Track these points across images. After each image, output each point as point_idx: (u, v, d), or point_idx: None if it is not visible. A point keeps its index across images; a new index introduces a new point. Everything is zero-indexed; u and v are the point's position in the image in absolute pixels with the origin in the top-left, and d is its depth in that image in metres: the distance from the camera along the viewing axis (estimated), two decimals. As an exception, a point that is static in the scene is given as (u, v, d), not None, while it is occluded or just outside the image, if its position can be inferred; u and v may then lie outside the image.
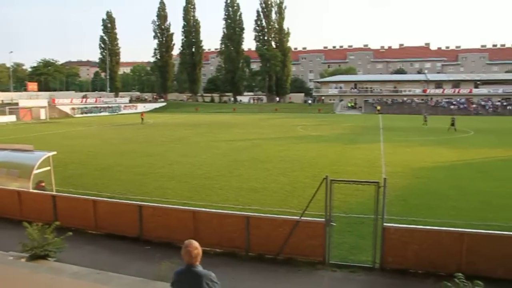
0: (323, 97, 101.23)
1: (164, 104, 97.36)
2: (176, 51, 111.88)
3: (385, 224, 9.84)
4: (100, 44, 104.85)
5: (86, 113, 76.92)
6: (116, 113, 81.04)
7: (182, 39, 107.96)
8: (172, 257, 7.77)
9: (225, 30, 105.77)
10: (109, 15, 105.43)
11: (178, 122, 59.11)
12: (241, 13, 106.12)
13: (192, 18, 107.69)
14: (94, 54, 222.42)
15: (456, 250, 9.53)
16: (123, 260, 10.50)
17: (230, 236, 10.72)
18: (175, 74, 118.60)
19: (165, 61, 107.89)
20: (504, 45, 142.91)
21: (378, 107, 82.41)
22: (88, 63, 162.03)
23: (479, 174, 21.24)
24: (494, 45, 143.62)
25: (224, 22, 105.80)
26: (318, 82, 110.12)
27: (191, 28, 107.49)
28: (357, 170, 21.80)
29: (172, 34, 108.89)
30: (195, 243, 4.85)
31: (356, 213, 13.49)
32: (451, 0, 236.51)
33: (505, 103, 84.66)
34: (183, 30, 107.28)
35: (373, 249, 9.93)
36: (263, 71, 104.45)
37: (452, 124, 43.16)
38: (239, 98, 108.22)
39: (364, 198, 14.35)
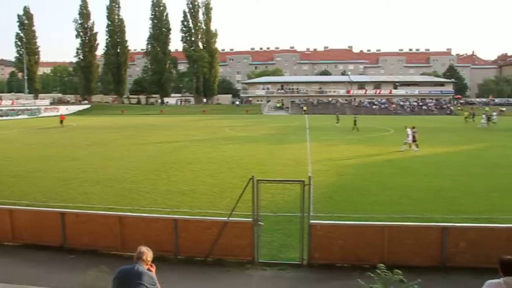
0: (250, 98, 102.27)
1: (88, 106, 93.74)
2: (100, 51, 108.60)
3: (311, 221, 10.08)
4: (16, 42, 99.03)
5: (1, 116, 72.13)
6: (36, 116, 76.72)
7: (107, 39, 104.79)
8: (98, 265, 7.49)
9: (151, 30, 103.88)
10: (26, 10, 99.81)
11: (103, 125, 57.15)
12: (167, 13, 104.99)
13: (116, 17, 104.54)
14: (9, 52, 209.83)
15: (378, 242, 9.98)
16: (44, 271, 9.92)
17: (158, 240, 10.48)
18: (100, 75, 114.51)
19: (89, 62, 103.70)
20: (418, 49, 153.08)
21: (305, 108, 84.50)
22: (3, 62, 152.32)
23: (398, 170, 22.42)
24: (410, 50, 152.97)
25: (150, 22, 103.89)
26: (245, 83, 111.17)
27: (116, 28, 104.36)
28: (284, 169, 22.21)
29: (96, 33, 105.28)
30: (145, 247, 5.14)
31: (284, 211, 13.72)
32: (371, 6, 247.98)
33: (420, 103, 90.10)
34: (107, 29, 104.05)
35: (300, 246, 10.13)
36: (190, 72, 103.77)
37: (355, 124, 45.29)
38: (166, 99, 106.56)
39: (291, 197, 14.64)
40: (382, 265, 6.35)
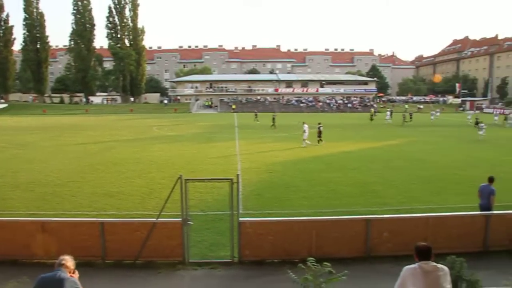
0: (179, 97, 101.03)
1: (5, 105, 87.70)
2: (17, 46, 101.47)
3: (240, 219, 10.15)
4: None
5: None
6: None
7: (24, 33, 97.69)
8: (19, 276, 7.08)
9: (74, 26, 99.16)
10: None
11: (22, 125, 53.82)
12: (91, 8, 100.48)
13: (35, 10, 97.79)
14: None
15: (307, 236, 10.26)
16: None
17: (85, 245, 10.09)
18: (17, 72, 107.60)
19: (4, 57, 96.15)
20: (343, 49, 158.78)
21: (233, 106, 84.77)
22: None
23: (325, 166, 23.12)
24: (335, 49, 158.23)
25: (73, 17, 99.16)
26: (174, 81, 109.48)
27: (35, 22, 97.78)
28: (214, 168, 22.19)
29: (12, 27, 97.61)
30: (68, 256, 5.04)
31: (214, 210, 13.71)
32: (298, 6, 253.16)
33: (346, 101, 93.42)
34: (24, 23, 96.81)
35: (231, 244, 10.17)
36: (116, 70, 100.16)
37: (273, 122, 46.30)
38: (91, 98, 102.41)
39: (220, 195, 14.68)
40: (311, 258, 6.53)
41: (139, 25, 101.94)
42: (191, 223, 10.11)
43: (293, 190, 17.37)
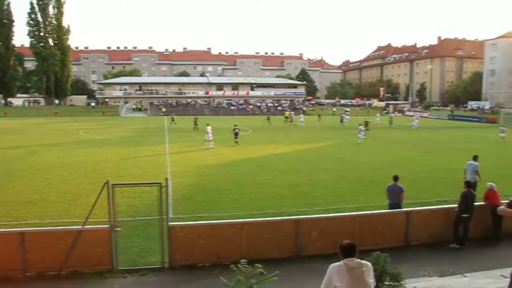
0: (107, 99, 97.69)
1: None
2: None
3: (170, 223, 10.01)
4: None
5: None
6: None
7: None
8: None
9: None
10: None
11: None
12: (9, 3, 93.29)
13: None
14: None
15: (238, 239, 10.31)
16: None
17: (1, 258, 9.47)
18: None
19: None
20: (273, 53, 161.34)
21: (163, 109, 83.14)
22: None
23: (256, 168, 23.31)
24: (266, 53, 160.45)
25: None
26: (101, 83, 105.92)
27: None
28: (143, 172, 21.67)
29: None
30: None
31: (143, 215, 13.37)
32: (230, 10, 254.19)
33: (276, 104, 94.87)
34: None
35: (161, 249, 9.98)
36: (39, 70, 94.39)
37: (195, 124, 46.36)
38: (11, 100, 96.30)
39: (150, 200, 14.30)
40: (243, 260, 6.55)
41: (64, 24, 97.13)
42: (119, 229, 9.81)
43: (224, 193, 17.36)
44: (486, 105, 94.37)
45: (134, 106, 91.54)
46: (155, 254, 10.43)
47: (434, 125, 62.50)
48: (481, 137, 40.74)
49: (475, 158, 15.97)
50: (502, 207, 10.76)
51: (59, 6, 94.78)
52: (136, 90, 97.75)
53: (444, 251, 11.40)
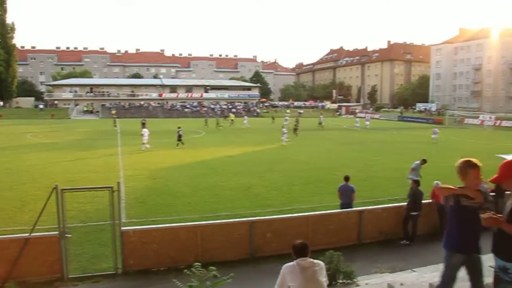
0: (56, 102, 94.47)
1: None
2: None
3: (123, 228, 9.83)
4: None
5: None
6: None
7: None
8: None
9: None
10: None
11: None
12: None
13: None
14: None
15: (192, 242, 10.27)
16: None
17: None
18: None
19: None
20: (227, 55, 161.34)
21: (113, 111, 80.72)
22: None
23: (209, 170, 23.20)
24: (220, 55, 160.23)
25: None
26: (50, 85, 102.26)
27: None
28: (94, 176, 21.07)
29: None
30: None
31: (95, 220, 13.00)
32: (184, 11, 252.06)
33: (230, 106, 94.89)
34: None
35: (113, 255, 9.77)
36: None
37: (144, 127, 45.86)
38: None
39: (102, 205, 13.95)
40: (197, 263, 6.51)
41: (9, 21, 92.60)
42: (69, 235, 9.52)
43: (177, 196, 17.20)
44: (433, 107, 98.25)
45: (85, 109, 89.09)
46: (107, 260, 10.18)
47: (384, 126, 64.35)
48: (429, 138, 42.18)
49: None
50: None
51: (2, 2, 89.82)
52: (87, 92, 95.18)
53: (395, 248, 11.80)
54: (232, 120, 62.55)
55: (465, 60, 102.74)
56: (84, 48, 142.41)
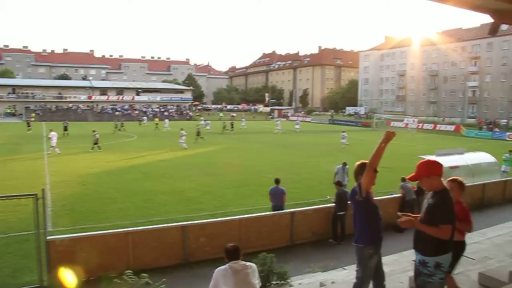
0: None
1: None
2: None
3: (48, 237, 9.36)
4: None
5: None
6: None
7: None
8: None
9: None
10: None
11: None
12: None
13: None
14: None
15: (123, 249, 10.01)
16: None
17: None
18: None
19: None
20: (160, 58, 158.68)
21: (33, 115, 75.56)
22: None
23: (142, 175, 22.72)
24: (152, 57, 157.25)
25: None
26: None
27: None
28: (18, 183, 19.79)
29: None
30: None
31: (17, 231, 12.28)
32: (113, 10, 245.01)
33: (162, 109, 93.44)
34: None
35: (38, 267, 9.25)
36: None
37: (65, 130, 44.69)
38: None
39: (26, 214, 13.17)
40: (129, 271, 6.37)
41: None
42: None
43: (108, 202, 16.69)
44: (362, 110, 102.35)
45: (7, 111, 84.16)
46: (31, 273, 9.62)
47: (316, 129, 66.03)
48: (358, 140, 43.76)
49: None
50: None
51: None
52: (9, 93, 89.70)
53: (326, 248, 12.16)
54: (156, 124, 60.90)
55: (390, 66, 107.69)
56: (5, 46, 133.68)
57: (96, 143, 32.55)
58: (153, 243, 10.37)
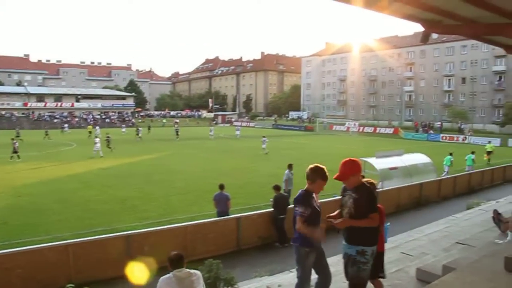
0: None
1: None
2: None
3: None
4: None
5: None
6: None
7: None
8: None
9: None
10: None
11: None
12: None
13: None
14: None
15: (64, 262, 9.60)
16: None
17: None
18: None
19: None
20: (100, 63, 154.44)
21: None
22: None
23: (82, 184, 21.94)
24: (92, 63, 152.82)
25: None
26: None
27: None
28: None
29: None
30: None
31: None
32: (49, 12, 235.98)
33: (104, 116, 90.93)
34: None
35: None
36: None
37: (17, 136, 43.15)
38: None
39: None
40: (70, 285, 6.10)
41: None
42: None
43: (46, 213, 15.94)
44: (304, 115, 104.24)
45: None
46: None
47: (259, 134, 66.36)
48: (300, 144, 44.47)
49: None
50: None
51: None
52: None
53: (272, 251, 12.25)
54: (90, 132, 57.30)
55: (331, 71, 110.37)
56: None
57: (15, 152, 31.10)
58: (96, 254, 10.02)
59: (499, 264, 4.62)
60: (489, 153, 31.26)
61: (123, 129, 62.51)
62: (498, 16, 5.13)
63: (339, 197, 5.14)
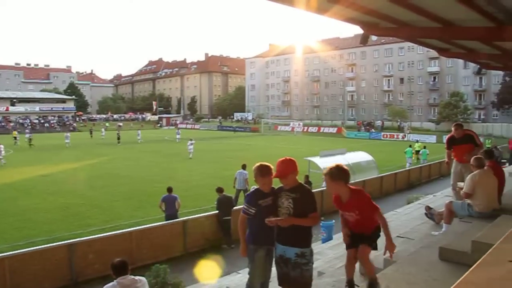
0: None
1: None
2: None
3: None
4: None
5: None
6: None
7: None
8: None
9: None
10: None
11: None
12: None
13: None
14: None
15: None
16: None
17: None
18: None
19: None
20: (37, 65, 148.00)
21: None
22: None
23: (19, 193, 20.90)
24: (28, 64, 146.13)
25: None
26: None
27: None
28: None
29: None
30: None
31: None
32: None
33: (42, 121, 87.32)
34: None
35: None
36: None
37: None
38: None
39: None
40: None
41: None
42: None
43: (-20, 225, 15.09)
44: (249, 116, 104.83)
45: None
46: None
47: (205, 136, 66.08)
48: (245, 145, 44.67)
49: (243, 167, 17.24)
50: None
51: None
52: None
53: (220, 253, 12.18)
54: (15, 137, 53.54)
55: (275, 73, 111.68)
56: None
57: None
58: (35, 266, 9.56)
59: (434, 254, 4.86)
60: (417, 152, 32.72)
61: (103, 134, 59.20)
62: (430, 20, 5.38)
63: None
